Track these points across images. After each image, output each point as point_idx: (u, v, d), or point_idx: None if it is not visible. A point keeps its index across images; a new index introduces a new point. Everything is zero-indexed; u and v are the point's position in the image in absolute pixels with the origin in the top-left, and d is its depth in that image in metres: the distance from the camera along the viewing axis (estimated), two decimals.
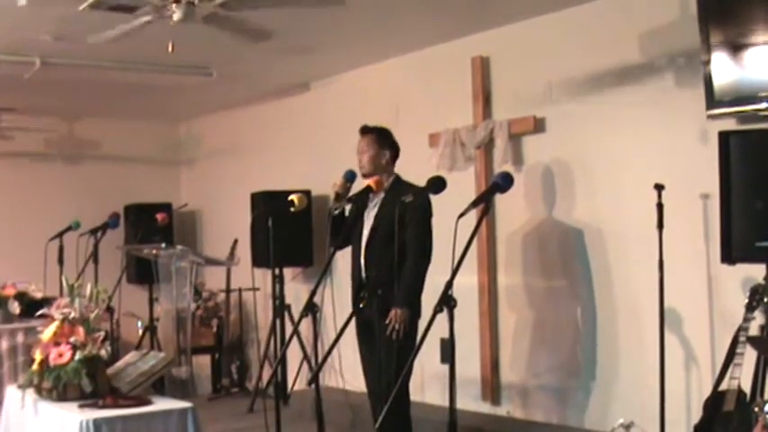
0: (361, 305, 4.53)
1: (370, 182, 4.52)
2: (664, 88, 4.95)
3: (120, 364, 4.47)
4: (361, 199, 4.76)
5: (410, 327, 4.62)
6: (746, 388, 4.04)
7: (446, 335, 3.23)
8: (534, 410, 5.70)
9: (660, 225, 4.61)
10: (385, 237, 4.68)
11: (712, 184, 4.37)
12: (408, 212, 4.58)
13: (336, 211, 4.78)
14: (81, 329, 4.15)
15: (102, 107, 8.55)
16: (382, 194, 4.85)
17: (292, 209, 4.50)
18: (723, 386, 4.07)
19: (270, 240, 4.50)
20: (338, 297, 6.51)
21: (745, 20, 4.41)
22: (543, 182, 5.63)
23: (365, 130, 4.97)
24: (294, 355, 7.01)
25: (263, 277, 7.12)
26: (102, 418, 3.77)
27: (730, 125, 4.49)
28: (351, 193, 4.78)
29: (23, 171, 8.60)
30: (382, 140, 4.92)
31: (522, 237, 5.77)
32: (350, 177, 4.81)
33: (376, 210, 4.85)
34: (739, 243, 4.22)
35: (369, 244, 4.82)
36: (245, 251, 6.93)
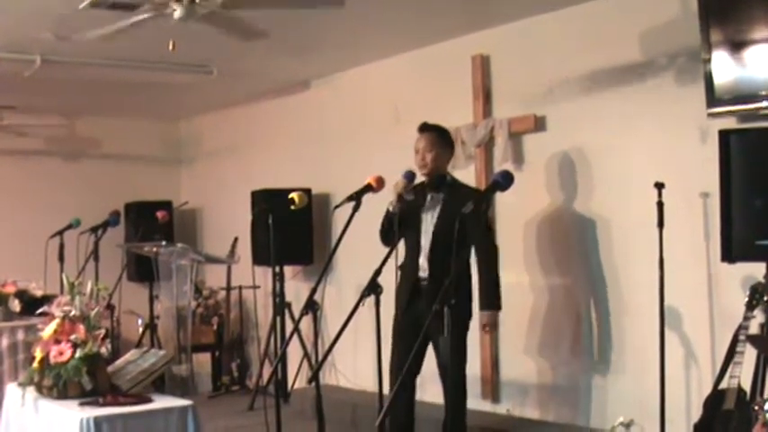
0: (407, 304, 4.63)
1: (370, 180, 4.48)
2: (664, 87, 4.95)
3: (120, 361, 4.47)
4: (359, 197, 4.73)
5: (463, 326, 4.69)
6: (746, 386, 4.04)
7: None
8: (534, 408, 5.71)
9: (660, 223, 4.61)
10: (447, 242, 4.55)
11: (712, 183, 4.37)
12: (471, 221, 4.23)
13: (397, 212, 4.67)
14: (81, 327, 4.15)
15: (103, 105, 8.55)
16: (442, 195, 4.80)
17: (293, 207, 4.50)
18: (723, 385, 4.08)
19: (270, 238, 4.50)
20: (338, 295, 6.54)
21: (745, 18, 4.41)
22: (543, 180, 5.63)
23: (425, 128, 4.89)
24: (294, 353, 7.02)
25: (264, 275, 7.13)
26: (103, 416, 3.78)
27: (731, 124, 4.49)
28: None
29: (24, 169, 8.59)
30: (445, 139, 4.90)
31: (523, 235, 5.77)
32: (410, 177, 4.72)
33: (438, 211, 4.78)
34: (739, 241, 4.22)
35: (433, 246, 4.75)
36: (245, 249, 6.94)
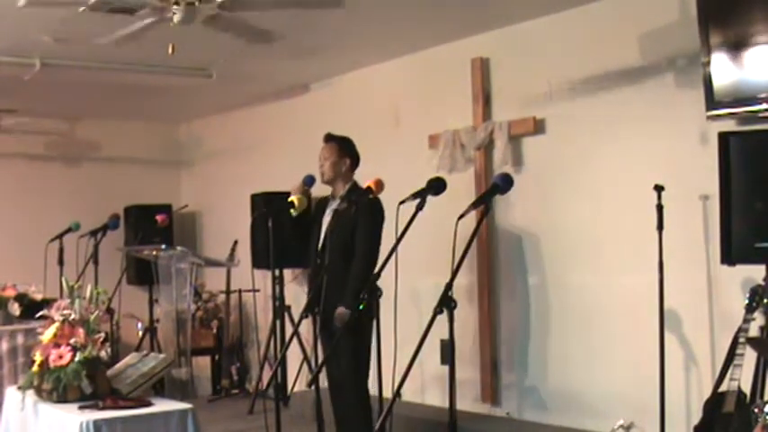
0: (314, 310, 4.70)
1: (370, 183, 4.50)
2: (663, 89, 4.95)
3: (120, 365, 4.47)
4: (361, 199, 4.78)
5: (365, 327, 4.67)
6: (746, 389, 4.04)
7: (446, 336, 3.23)
8: (534, 411, 5.70)
9: (660, 226, 4.61)
10: (335, 241, 4.83)
11: (712, 186, 4.37)
12: (359, 216, 4.68)
13: (295, 214, 4.88)
14: (81, 331, 4.15)
15: (103, 108, 8.55)
16: (338, 200, 4.98)
17: (292, 210, 4.51)
18: (723, 387, 4.07)
19: (270, 241, 4.50)
20: None
21: (744, 21, 4.41)
22: (543, 183, 5.63)
23: (328, 138, 5.17)
24: (294, 356, 7.02)
25: (263, 278, 7.12)
26: (103, 420, 3.78)
27: (730, 126, 4.49)
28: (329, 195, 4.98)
29: (24, 172, 8.59)
30: (343, 149, 5.12)
31: (522, 238, 5.77)
32: (308, 182, 4.97)
33: (329, 216, 5.00)
34: (739, 244, 4.22)
35: (322, 249, 4.91)
36: (245, 252, 6.93)
